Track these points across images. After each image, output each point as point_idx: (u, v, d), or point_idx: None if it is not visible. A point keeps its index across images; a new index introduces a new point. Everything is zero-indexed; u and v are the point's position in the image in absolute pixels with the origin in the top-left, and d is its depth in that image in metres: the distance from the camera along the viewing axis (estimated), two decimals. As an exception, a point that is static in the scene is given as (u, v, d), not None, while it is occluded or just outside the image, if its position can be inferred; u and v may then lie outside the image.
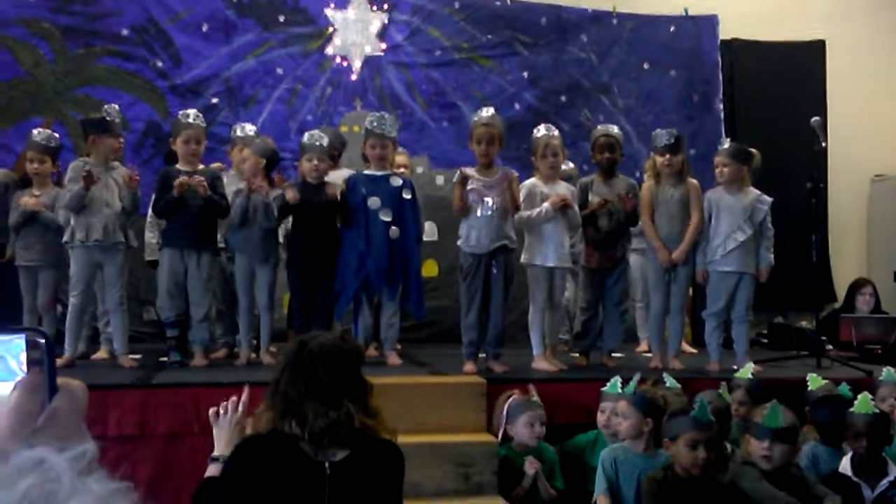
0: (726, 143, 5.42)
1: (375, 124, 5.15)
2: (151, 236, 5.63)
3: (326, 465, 2.22)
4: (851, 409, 3.73)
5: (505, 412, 4.10)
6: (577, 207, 5.13)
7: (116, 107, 5.50)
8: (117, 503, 0.61)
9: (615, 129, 5.53)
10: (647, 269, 5.54)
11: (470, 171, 5.01)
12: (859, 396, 3.80)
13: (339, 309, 5.29)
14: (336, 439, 2.23)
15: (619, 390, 4.00)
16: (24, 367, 0.73)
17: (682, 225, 5.21)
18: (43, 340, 0.73)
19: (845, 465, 3.69)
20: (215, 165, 5.60)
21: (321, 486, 2.20)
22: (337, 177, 5.38)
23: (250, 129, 5.84)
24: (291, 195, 5.03)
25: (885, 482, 3.60)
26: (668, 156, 5.21)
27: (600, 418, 4.07)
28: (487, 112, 5.13)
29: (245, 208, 5.10)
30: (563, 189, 5.13)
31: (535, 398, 4.10)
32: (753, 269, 5.19)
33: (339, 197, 5.12)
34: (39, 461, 0.61)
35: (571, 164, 6.07)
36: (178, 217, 5.07)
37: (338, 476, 2.22)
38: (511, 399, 4.13)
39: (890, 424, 3.87)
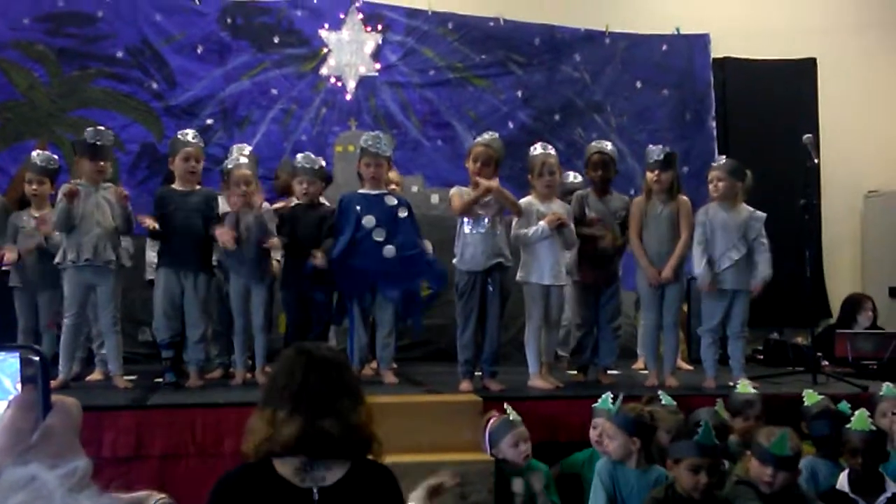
0: (722, 159, 5.43)
1: (370, 143, 5.16)
2: (153, 255, 5.60)
3: (314, 490, 2.13)
4: (848, 426, 3.73)
5: (487, 437, 4.09)
6: (573, 226, 5.15)
7: (102, 128, 5.30)
8: None
9: (609, 147, 5.53)
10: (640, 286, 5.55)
11: (465, 189, 5.04)
12: (856, 413, 3.80)
13: (338, 320, 5.33)
14: (328, 451, 2.16)
15: (611, 406, 4.01)
16: (18, 386, 0.73)
17: (671, 242, 5.22)
18: (37, 358, 0.73)
19: (842, 482, 3.69)
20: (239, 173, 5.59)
21: None
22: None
23: (247, 149, 5.88)
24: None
25: (882, 499, 3.60)
26: (657, 172, 5.23)
27: (592, 434, 4.06)
28: (490, 135, 5.18)
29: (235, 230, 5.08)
30: (558, 207, 5.15)
31: (513, 416, 4.07)
32: (748, 285, 5.20)
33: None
34: (31, 478, 0.61)
35: (580, 178, 6.09)
36: (175, 238, 5.07)
37: (327, 503, 2.13)
38: (491, 422, 4.12)
39: (886, 441, 3.87)
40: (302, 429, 2.13)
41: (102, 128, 5.26)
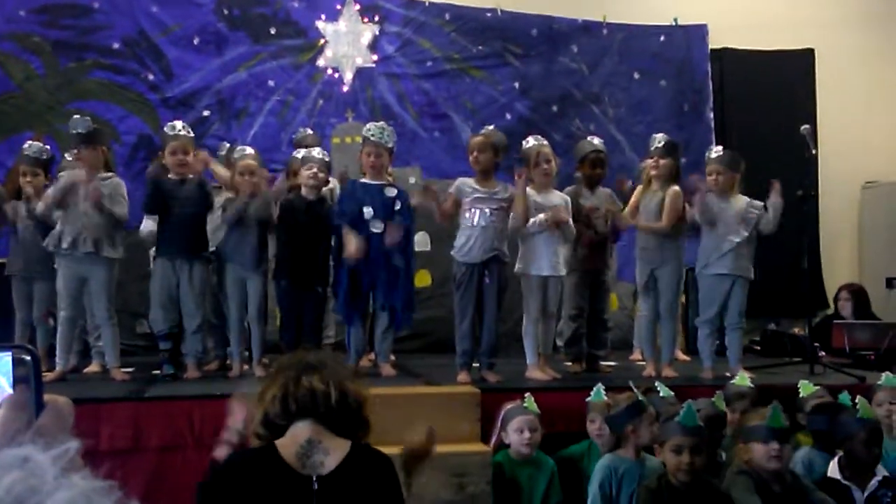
0: (718, 151, 5.43)
1: (373, 132, 5.18)
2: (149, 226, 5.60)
3: (314, 478, 2.14)
4: (860, 415, 3.72)
5: (501, 417, 4.10)
6: (570, 219, 5.17)
7: (78, 117, 5.26)
8: (100, 500, 0.62)
9: (601, 144, 5.64)
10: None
11: (469, 181, 5.05)
12: (860, 403, 3.80)
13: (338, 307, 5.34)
14: (315, 409, 2.17)
15: (604, 397, 4.01)
16: (11, 385, 0.73)
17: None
18: (29, 358, 0.73)
19: (833, 470, 3.71)
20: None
21: (309, 502, 2.13)
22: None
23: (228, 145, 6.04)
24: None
25: (874, 482, 3.63)
26: (655, 159, 5.29)
27: (591, 428, 4.07)
28: (486, 129, 5.26)
29: (242, 210, 5.10)
30: (556, 199, 5.16)
31: (527, 405, 4.06)
32: (747, 273, 5.21)
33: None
34: (25, 459, 0.62)
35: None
36: (170, 227, 5.06)
37: (326, 490, 2.14)
38: (508, 405, 4.12)
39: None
40: (284, 387, 2.17)
41: (77, 116, 5.24)
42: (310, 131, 6.50)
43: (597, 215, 5.42)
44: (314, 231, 5.18)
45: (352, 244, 4.97)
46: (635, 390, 3.93)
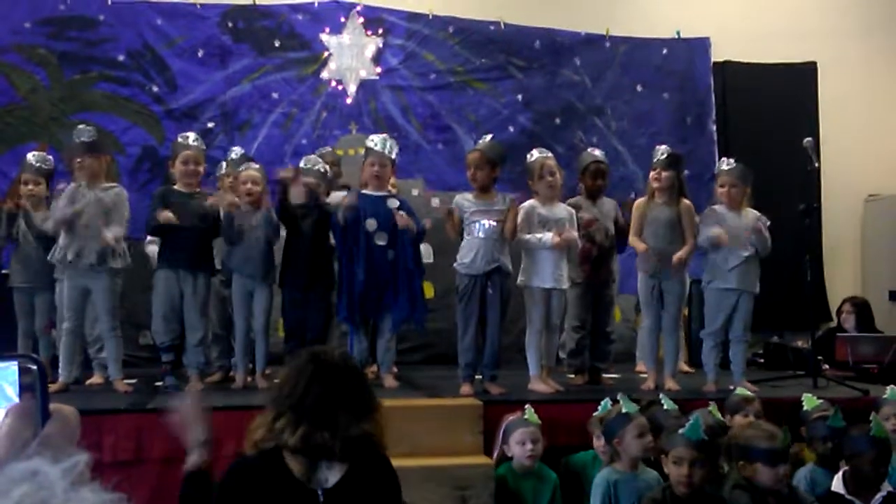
0: (730, 164, 5.39)
1: (377, 143, 5.21)
2: (153, 249, 5.56)
3: (319, 492, 2.18)
4: (873, 433, 3.69)
5: (502, 430, 4.09)
6: (576, 232, 5.17)
7: (82, 126, 5.22)
8: None
9: (603, 155, 5.68)
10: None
11: (468, 195, 5.08)
12: (873, 420, 3.77)
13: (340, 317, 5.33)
14: (328, 458, 2.19)
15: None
16: (18, 394, 0.73)
17: (670, 245, 5.21)
18: (35, 367, 0.74)
19: (837, 484, 3.68)
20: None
21: None
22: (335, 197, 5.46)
23: (240, 151, 6.01)
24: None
25: (878, 497, 3.60)
26: (658, 171, 5.28)
27: (597, 444, 4.05)
28: (483, 139, 5.27)
29: (230, 223, 5.08)
30: (562, 211, 5.17)
31: (528, 416, 4.05)
32: (753, 287, 5.21)
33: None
34: (34, 472, 0.62)
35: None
36: (174, 238, 5.05)
37: (331, 502, 2.17)
38: (510, 417, 4.11)
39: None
40: (300, 440, 2.17)
41: (82, 126, 5.24)
42: (328, 149, 6.50)
43: (596, 227, 5.41)
44: (317, 238, 5.20)
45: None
46: (621, 399, 3.90)
